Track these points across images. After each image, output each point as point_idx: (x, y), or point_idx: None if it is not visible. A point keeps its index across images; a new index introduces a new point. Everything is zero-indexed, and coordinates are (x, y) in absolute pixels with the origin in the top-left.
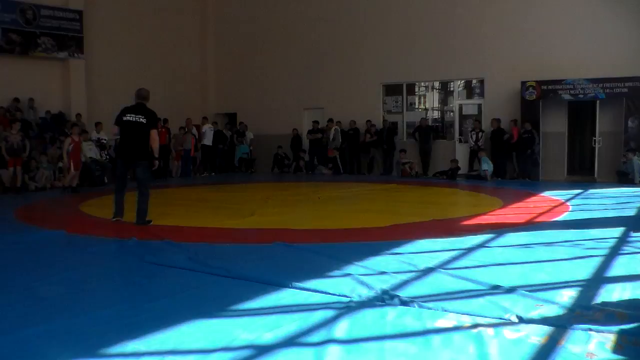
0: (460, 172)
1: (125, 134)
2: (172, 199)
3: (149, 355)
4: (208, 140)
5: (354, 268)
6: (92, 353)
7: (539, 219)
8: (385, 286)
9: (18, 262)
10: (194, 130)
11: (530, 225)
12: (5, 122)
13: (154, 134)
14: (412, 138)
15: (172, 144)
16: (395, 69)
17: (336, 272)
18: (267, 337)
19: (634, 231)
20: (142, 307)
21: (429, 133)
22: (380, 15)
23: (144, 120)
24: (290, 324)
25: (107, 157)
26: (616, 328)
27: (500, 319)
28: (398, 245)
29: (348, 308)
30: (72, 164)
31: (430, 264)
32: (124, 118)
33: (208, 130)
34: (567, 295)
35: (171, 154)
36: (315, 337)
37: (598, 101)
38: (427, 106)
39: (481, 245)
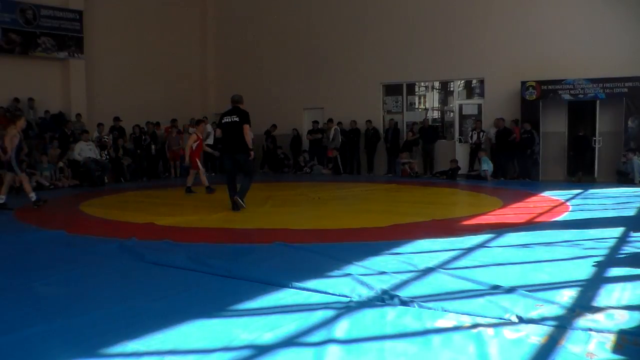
0: (460, 172)
1: (226, 134)
2: (172, 199)
3: (148, 355)
4: (209, 140)
5: (354, 268)
6: (92, 353)
7: (539, 219)
8: (385, 286)
9: (18, 262)
10: (191, 130)
11: (530, 225)
12: (5, 122)
13: (246, 128)
14: (421, 138)
15: (167, 144)
16: (395, 69)
17: (336, 272)
18: (267, 337)
19: (634, 231)
20: (142, 307)
21: (434, 133)
22: (380, 15)
23: (237, 119)
24: (290, 324)
25: (107, 157)
26: (616, 328)
27: (500, 319)
28: (398, 245)
29: (348, 308)
30: (198, 161)
31: (430, 264)
32: (223, 121)
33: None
34: (567, 295)
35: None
36: (315, 337)
37: (598, 101)
38: (427, 106)
39: (481, 245)
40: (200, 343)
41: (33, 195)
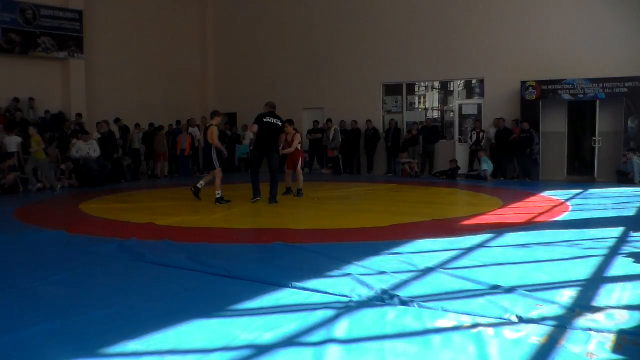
0: (460, 172)
1: (265, 132)
2: (172, 199)
3: (148, 355)
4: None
5: (354, 268)
6: (92, 353)
7: (538, 219)
8: (385, 286)
9: (18, 262)
10: (191, 130)
11: (530, 225)
12: (5, 122)
13: (282, 135)
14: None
15: (155, 145)
16: (395, 69)
17: (336, 272)
18: (267, 337)
19: (634, 231)
20: (142, 307)
21: (435, 133)
22: (380, 15)
23: (279, 124)
24: (290, 324)
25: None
26: (616, 328)
27: (500, 319)
28: (398, 245)
29: (348, 308)
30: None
31: (430, 264)
32: (265, 120)
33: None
34: (567, 295)
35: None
36: (315, 337)
37: (598, 101)
38: (427, 106)
39: (481, 245)
40: (200, 343)
41: (219, 193)
